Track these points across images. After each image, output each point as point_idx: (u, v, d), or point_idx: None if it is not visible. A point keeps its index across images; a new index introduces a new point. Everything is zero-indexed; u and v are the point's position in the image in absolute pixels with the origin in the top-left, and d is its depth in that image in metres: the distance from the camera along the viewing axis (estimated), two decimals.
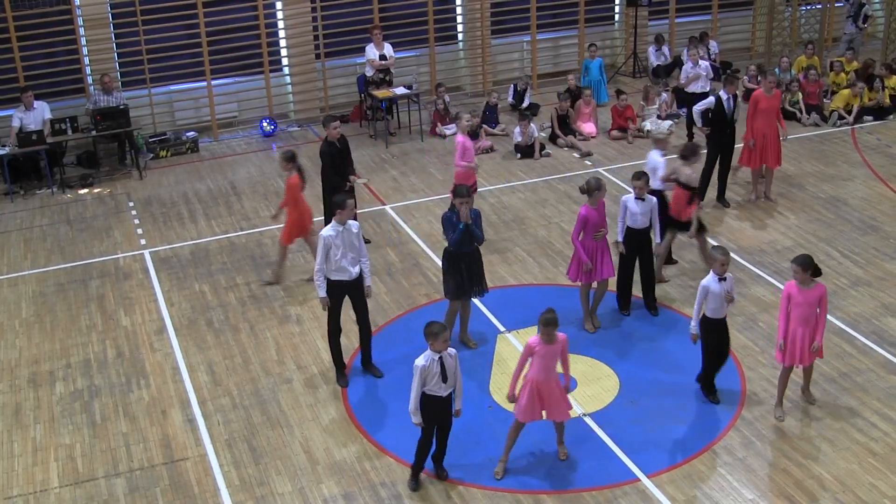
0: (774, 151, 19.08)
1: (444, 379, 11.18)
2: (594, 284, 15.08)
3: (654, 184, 15.91)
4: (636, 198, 14.90)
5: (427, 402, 11.29)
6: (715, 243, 16.45)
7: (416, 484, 11.83)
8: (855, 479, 11.92)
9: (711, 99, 19.03)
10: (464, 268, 14.00)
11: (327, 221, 15.97)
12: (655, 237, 15.19)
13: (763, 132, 18.97)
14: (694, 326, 13.02)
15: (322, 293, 13.51)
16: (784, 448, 12.51)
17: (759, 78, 20.85)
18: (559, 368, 11.80)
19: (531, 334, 11.91)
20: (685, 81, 22.62)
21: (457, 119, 18.01)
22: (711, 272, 12.82)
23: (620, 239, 15.10)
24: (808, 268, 12.43)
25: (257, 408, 13.45)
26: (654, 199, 15.11)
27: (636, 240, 15.10)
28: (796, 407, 13.27)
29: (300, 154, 22.08)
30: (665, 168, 16.24)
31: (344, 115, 24.18)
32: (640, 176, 14.94)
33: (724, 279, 12.78)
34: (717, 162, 18.99)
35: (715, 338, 13.08)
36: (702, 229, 16.23)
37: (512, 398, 11.74)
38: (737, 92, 19.06)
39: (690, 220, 16.15)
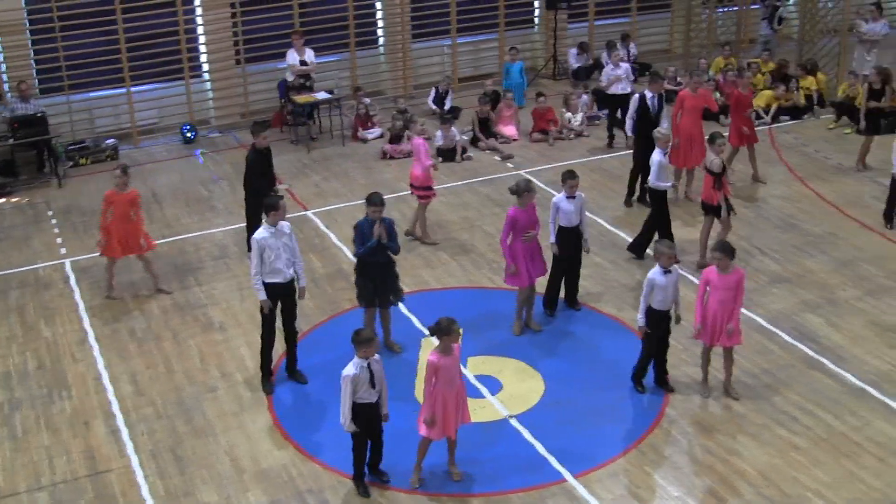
0: (700, 150, 19.29)
1: (373, 385, 11.18)
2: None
3: (651, 180, 16.55)
4: (567, 197, 14.99)
5: (359, 410, 11.24)
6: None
7: (365, 490, 11.78)
8: (778, 473, 12.10)
9: (636, 97, 19.18)
10: (377, 277, 14.01)
11: (250, 229, 15.92)
12: (584, 233, 15.29)
13: (689, 131, 19.19)
14: (640, 319, 13.24)
15: (262, 296, 13.46)
16: (708, 444, 12.66)
17: (737, 77, 21.10)
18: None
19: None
20: (606, 83, 22.72)
21: (412, 122, 18.31)
22: (657, 265, 13.06)
23: (553, 240, 15.19)
24: (730, 253, 12.96)
25: (182, 417, 13.36)
26: (584, 196, 15.24)
27: (569, 238, 15.23)
28: (719, 403, 13.45)
29: (223, 161, 22.10)
30: (660, 166, 16.50)
31: (265, 121, 24.08)
32: (573, 175, 15.06)
33: (670, 272, 13.04)
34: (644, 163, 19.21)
35: (659, 328, 13.33)
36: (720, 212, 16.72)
37: (431, 422, 11.63)
38: (661, 92, 19.25)
39: (720, 204, 16.54)
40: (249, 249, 14.26)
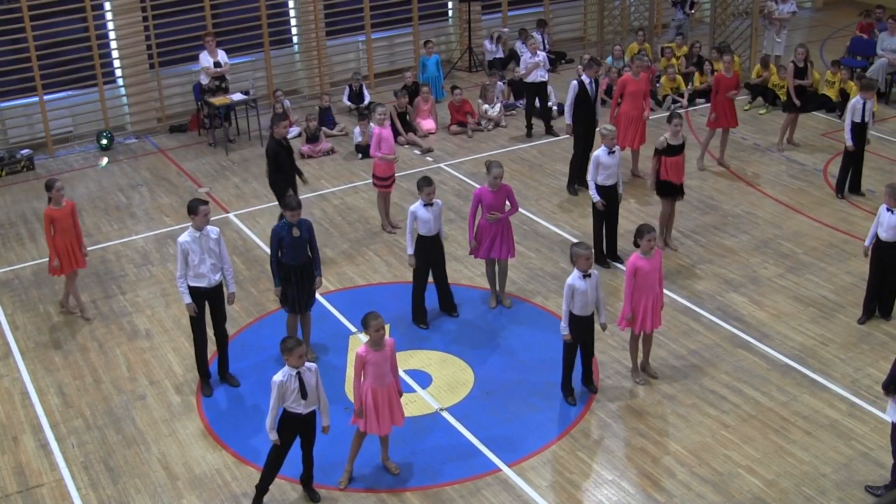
0: (640, 133, 19.62)
1: (304, 395, 11.05)
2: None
3: (599, 178, 16.25)
4: (425, 204, 14.83)
5: (286, 419, 11.16)
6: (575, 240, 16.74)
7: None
8: (710, 452, 12.27)
9: (574, 83, 19.17)
10: (295, 280, 13.91)
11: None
12: (442, 238, 15.20)
13: (630, 115, 19.39)
14: (564, 328, 12.97)
15: (187, 299, 13.40)
16: (639, 427, 12.79)
17: (722, 57, 21.23)
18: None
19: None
20: (525, 71, 22.66)
21: (372, 110, 18.40)
22: (575, 270, 12.82)
23: (410, 251, 15.06)
24: (656, 232, 13.18)
25: (112, 427, 13.24)
26: (441, 202, 15.10)
27: (428, 247, 15.06)
28: (648, 386, 13.59)
29: (140, 166, 21.90)
30: (597, 162, 16.23)
31: (182, 125, 23.95)
32: (430, 182, 14.93)
33: (589, 276, 12.80)
34: (585, 148, 19.39)
35: (581, 337, 13.12)
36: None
37: (360, 413, 11.62)
38: (597, 77, 19.35)
39: (682, 182, 16.93)
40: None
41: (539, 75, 22.46)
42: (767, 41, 25.96)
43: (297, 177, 17.21)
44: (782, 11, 25.83)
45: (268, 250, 17.23)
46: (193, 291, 13.38)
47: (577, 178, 19.52)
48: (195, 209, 13.24)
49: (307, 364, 11.11)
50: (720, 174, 20.30)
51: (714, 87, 20.47)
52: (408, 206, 15.31)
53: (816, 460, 12.11)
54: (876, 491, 11.52)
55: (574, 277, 12.81)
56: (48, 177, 20.93)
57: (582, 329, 13.08)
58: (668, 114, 17.36)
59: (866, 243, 14.92)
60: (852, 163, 18.97)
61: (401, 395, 11.91)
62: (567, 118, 19.57)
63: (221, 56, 23.07)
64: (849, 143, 18.59)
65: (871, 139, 19.12)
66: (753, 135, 22.23)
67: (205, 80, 23.08)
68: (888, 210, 14.39)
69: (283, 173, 16.86)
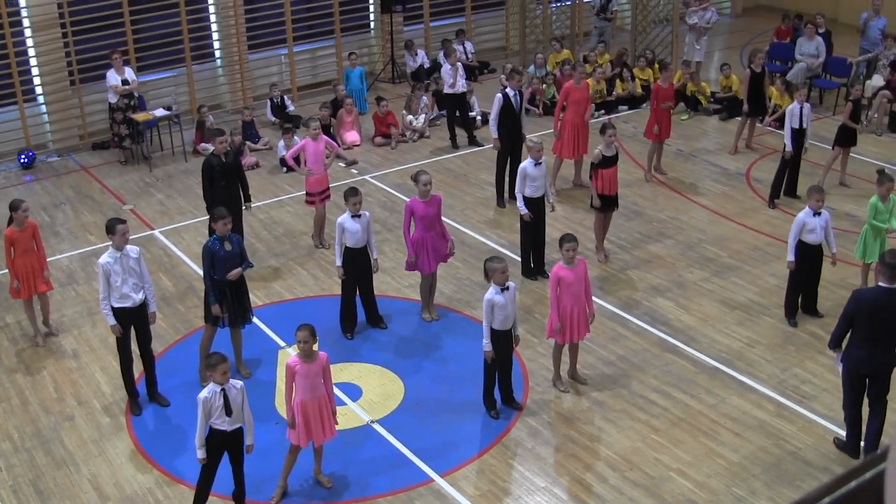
0: (585, 139, 19.66)
1: (228, 412, 10.98)
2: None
3: (527, 191, 16.19)
4: (352, 216, 14.71)
5: (211, 436, 11.06)
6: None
7: None
8: (640, 456, 12.36)
9: (499, 96, 19.15)
10: (230, 295, 13.85)
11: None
12: (372, 252, 15.04)
13: (574, 122, 19.41)
14: (487, 344, 12.85)
15: (111, 321, 13.27)
16: (570, 434, 12.85)
17: (661, 70, 21.18)
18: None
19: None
20: (451, 81, 22.61)
21: (305, 124, 18.19)
22: (492, 285, 12.76)
23: (338, 263, 14.91)
24: (577, 242, 13.11)
25: (40, 449, 13.07)
26: (368, 214, 14.98)
27: (356, 259, 14.94)
28: (577, 393, 13.66)
29: (63, 184, 21.62)
30: (523, 174, 16.21)
31: (105, 142, 23.69)
32: (356, 192, 14.84)
33: (507, 289, 12.76)
34: (509, 159, 19.32)
35: (501, 351, 13.02)
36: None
37: (292, 424, 11.57)
38: (521, 88, 19.38)
39: (616, 193, 16.92)
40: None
41: (459, 86, 22.49)
42: (688, 48, 26.24)
43: (240, 194, 16.92)
44: (703, 18, 26.07)
45: (194, 266, 17.23)
46: (118, 312, 13.25)
47: (503, 192, 19.55)
48: (112, 228, 13.15)
49: (233, 381, 11.05)
50: (644, 180, 20.45)
51: (652, 98, 20.53)
52: (335, 218, 15.24)
53: (746, 461, 12.24)
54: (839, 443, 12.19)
55: (492, 292, 12.73)
56: None
57: (502, 343, 13.00)
58: (591, 120, 17.47)
59: (790, 258, 14.86)
60: (787, 169, 19.12)
61: (334, 413, 11.79)
62: (493, 132, 19.45)
63: (129, 73, 22.70)
64: (788, 148, 18.71)
65: (808, 147, 19.27)
66: (675, 140, 22.36)
67: (113, 99, 22.64)
68: (814, 214, 14.55)
69: (219, 189, 16.52)
